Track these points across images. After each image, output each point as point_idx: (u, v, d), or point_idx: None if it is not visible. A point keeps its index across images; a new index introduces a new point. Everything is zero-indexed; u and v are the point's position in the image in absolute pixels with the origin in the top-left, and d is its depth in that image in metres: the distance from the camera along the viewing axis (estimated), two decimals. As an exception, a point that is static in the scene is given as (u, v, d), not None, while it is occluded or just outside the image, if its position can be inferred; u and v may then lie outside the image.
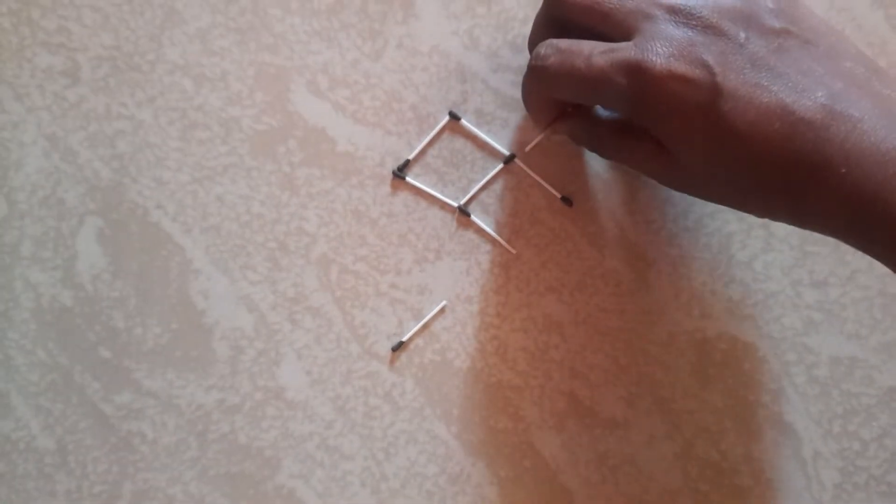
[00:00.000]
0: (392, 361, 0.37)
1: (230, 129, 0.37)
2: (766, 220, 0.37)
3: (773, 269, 0.37)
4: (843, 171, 0.25)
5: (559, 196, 0.37)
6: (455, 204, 0.37)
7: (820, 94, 0.26)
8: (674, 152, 0.29)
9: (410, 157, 0.37)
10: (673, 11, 0.28)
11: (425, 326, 0.37)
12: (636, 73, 0.27)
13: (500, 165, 0.37)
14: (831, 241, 0.37)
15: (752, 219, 0.37)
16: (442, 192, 0.37)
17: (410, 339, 0.37)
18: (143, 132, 0.37)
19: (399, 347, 0.37)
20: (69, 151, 0.37)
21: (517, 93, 0.37)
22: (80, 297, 0.38)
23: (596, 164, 0.37)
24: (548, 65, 0.30)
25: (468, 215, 0.37)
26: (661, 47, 0.27)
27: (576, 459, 0.38)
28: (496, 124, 0.37)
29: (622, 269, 0.37)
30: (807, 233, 0.37)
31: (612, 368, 0.37)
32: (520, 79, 0.37)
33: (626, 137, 0.31)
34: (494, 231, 0.37)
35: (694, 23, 0.27)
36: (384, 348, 0.37)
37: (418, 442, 0.38)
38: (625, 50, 0.28)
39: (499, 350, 0.37)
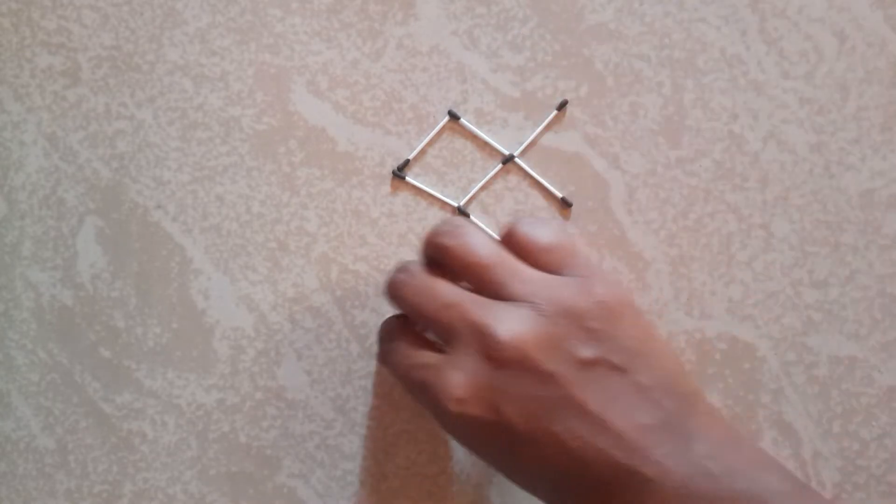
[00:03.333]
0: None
1: (230, 129, 0.37)
2: (766, 220, 0.37)
3: (772, 269, 0.37)
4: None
5: (559, 196, 0.37)
6: (455, 204, 0.37)
7: (615, 450, 0.25)
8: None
9: (410, 156, 0.37)
10: (478, 335, 0.27)
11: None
12: (434, 403, 0.27)
13: (499, 166, 0.37)
14: (831, 240, 0.37)
15: (752, 219, 0.37)
16: (442, 192, 0.37)
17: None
18: (143, 132, 0.37)
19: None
20: (69, 151, 0.37)
21: (517, 92, 0.37)
22: (80, 297, 0.38)
23: (596, 164, 0.37)
24: (381, 350, 0.32)
25: (467, 216, 0.37)
26: (458, 383, 0.26)
27: (575, 459, 0.38)
28: (496, 124, 0.37)
29: (622, 269, 0.37)
30: (807, 233, 0.37)
31: (612, 368, 0.37)
32: (520, 78, 0.37)
33: None
34: (494, 231, 0.37)
35: (496, 355, 0.26)
36: (384, 348, 0.37)
37: (419, 441, 0.38)
38: (432, 371, 0.28)
39: (499, 350, 0.37)
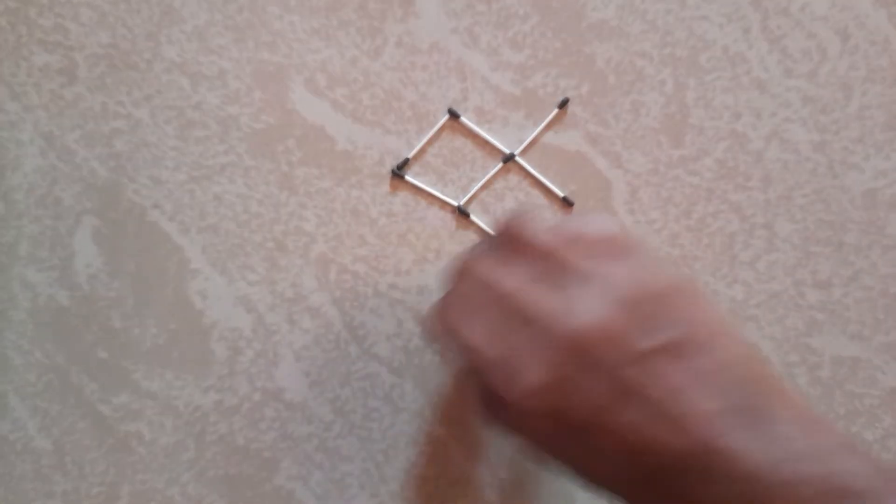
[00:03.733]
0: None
1: (228, 128, 0.37)
2: (769, 220, 0.37)
3: (775, 269, 0.37)
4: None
5: (560, 195, 0.37)
6: (455, 203, 0.37)
7: (681, 437, 0.25)
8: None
9: (410, 155, 0.37)
10: (542, 327, 0.26)
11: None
12: (504, 386, 0.27)
13: (500, 164, 0.37)
14: (834, 241, 0.37)
15: (754, 218, 0.37)
16: (442, 191, 0.37)
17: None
18: (140, 131, 0.37)
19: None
20: (66, 150, 0.37)
21: (517, 90, 0.37)
22: (77, 297, 0.37)
23: (596, 164, 0.37)
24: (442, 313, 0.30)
25: (467, 216, 0.37)
26: (526, 372, 0.26)
27: (576, 461, 0.37)
28: (496, 122, 0.37)
29: (623, 269, 0.37)
30: (810, 232, 0.37)
31: (614, 369, 0.37)
32: (520, 76, 0.37)
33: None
34: (495, 231, 0.37)
35: (559, 349, 0.26)
36: (383, 349, 0.37)
37: (418, 444, 0.37)
38: (509, 352, 0.27)
39: (499, 350, 0.37)
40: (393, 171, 0.37)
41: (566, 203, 0.37)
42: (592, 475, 0.28)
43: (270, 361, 0.37)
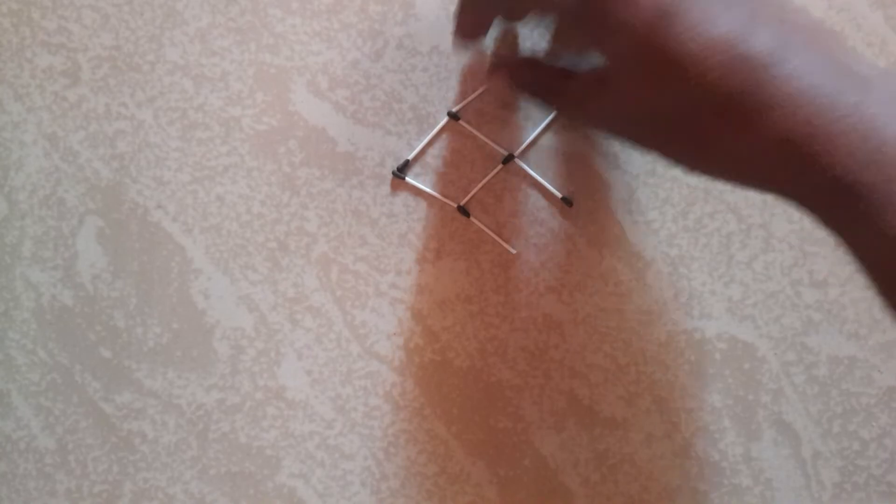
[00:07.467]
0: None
1: (230, 129, 0.37)
2: (766, 220, 0.37)
3: (772, 269, 0.37)
4: (778, 112, 0.25)
5: (559, 196, 0.37)
6: (455, 204, 0.37)
7: (768, 34, 0.25)
8: (612, 74, 0.28)
9: (410, 157, 0.37)
10: None
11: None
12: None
13: (500, 166, 0.37)
14: (831, 240, 0.37)
15: (751, 219, 0.37)
16: (442, 193, 0.37)
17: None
18: (143, 132, 0.37)
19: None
20: (69, 151, 0.37)
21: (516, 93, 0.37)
22: (80, 297, 0.38)
23: (595, 165, 0.37)
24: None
25: (467, 215, 0.37)
26: None
27: (575, 459, 0.38)
28: (496, 124, 0.37)
29: (621, 268, 0.37)
30: (806, 232, 0.37)
31: (612, 368, 0.37)
32: (520, 79, 0.37)
33: (564, 78, 0.31)
34: (494, 231, 0.37)
35: None
36: (384, 348, 0.38)
37: (418, 441, 0.38)
38: None
39: (499, 350, 0.37)
40: (393, 173, 0.37)
41: (566, 203, 0.37)
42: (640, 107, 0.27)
43: (272, 360, 0.38)
